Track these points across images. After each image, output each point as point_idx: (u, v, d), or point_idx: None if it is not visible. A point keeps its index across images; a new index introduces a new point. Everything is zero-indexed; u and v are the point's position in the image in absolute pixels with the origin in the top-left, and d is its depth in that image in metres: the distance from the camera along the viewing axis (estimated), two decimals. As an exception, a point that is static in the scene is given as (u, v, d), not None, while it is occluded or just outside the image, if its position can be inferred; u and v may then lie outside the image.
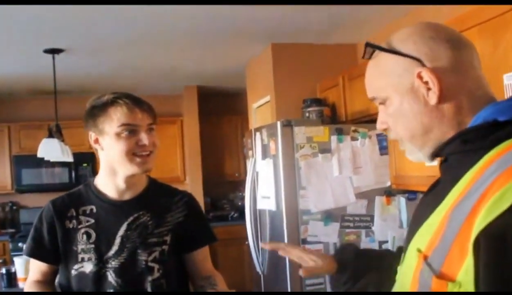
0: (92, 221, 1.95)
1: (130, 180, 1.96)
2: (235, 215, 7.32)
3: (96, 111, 1.90)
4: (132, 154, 1.87)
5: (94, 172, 7.14)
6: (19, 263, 3.65)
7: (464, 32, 2.32)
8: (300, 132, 3.61)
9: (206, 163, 7.32)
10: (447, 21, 2.74)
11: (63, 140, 4.95)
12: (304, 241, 3.60)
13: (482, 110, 1.08)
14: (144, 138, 1.87)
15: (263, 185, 3.98)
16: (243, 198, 7.41)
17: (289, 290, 3.65)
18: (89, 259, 1.92)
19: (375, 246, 3.64)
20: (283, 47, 4.93)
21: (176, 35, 4.55)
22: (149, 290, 1.93)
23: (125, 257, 1.92)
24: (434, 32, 1.13)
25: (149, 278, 1.94)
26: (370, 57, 1.21)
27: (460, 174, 1.03)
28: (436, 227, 1.02)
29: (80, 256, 1.93)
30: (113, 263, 1.92)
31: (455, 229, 0.96)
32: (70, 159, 5.04)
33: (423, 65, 1.10)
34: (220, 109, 7.78)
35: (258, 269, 4.22)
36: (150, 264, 1.94)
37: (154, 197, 2.04)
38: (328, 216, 3.63)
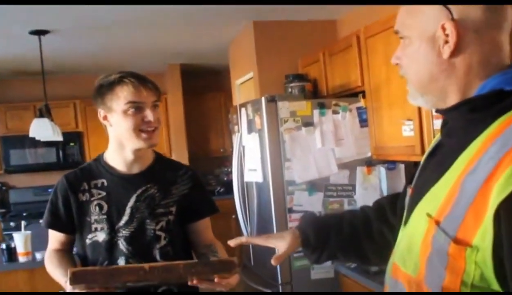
0: (104, 193, 2.10)
1: (137, 154, 2.09)
2: (221, 190, 7.47)
3: (104, 90, 2.04)
4: (139, 130, 2.01)
5: (81, 151, 7.27)
6: (18, 239, 3.78)
7: None
8: (284, 107, 3.77)
9: (191, 139, 7.45)
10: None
11: (52, 120, 5.07)
12: (290, 210, 3.76)
13: (491, 78, 1.11)
14: (149, 114, 2.01)
15: (249, 158, 4.13)
16: (228, 173, 7.60)
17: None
18: (102, 229, 2.07)
19: (357, 213, 3.83)
20: (264, 24, 5.05)
21: (159, 15, 4.64)
22: (157, 257, 2.08)
23: (134, 226, 2.08)
24: None
25: (157, 246, 2.10)
26: None
27: (467, 141, 1.07)
28: (447, 193, 1.05)
29: (93, 226, 2.08)
30: (124, 232, 2.07)
31: (470, 197, 0.99)
32: (60, 138, 5.16)
33: (452, 17, 1.11)
34: (204, 86, 7.87)
35: (246, 239, 4.39)
36: (157, 232, 2.10)
37: (161, 170, 2.18)
38: (312, 186, 3.79)
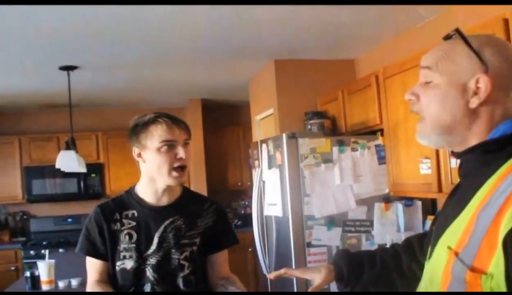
0: (134, 223, 2.22)
1: (167, 187, 2.22)
2: (239, 222, 7.50)
3: (139, 129, 2.18)
4: (171, 167, 2.13)
5: (102, 182, 7.39)
6: (42, 267, 3.86)
7: None
8: (304, 144, 3.88)
9: (210, 172, 7.53)
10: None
11: (77, 152, 5.21)
12: (309, 245, 3.85)
13: (501, 124, 1.21)
14: (181, 152, 2.14)
15: (269, 192, 4.23)
16: (245, 206, 7.67)
17: (294, 284, 3.89)
18: (130, 257, 2.19)
19: (375, 248, 3.88)
20: (285, 63, 5.20)
21: (182, 53, 4.80)
22: (180, 285, 2.20)
23: (161, 255, 2.19)
24: (506, 51, 1.24)
25: (181, 274, 2.21)
26: (448, 39, 1.31)
27: (481, 181, 1.15)
28: (464, 227, 1.13)
29: (122, 254, 2.20)
30: (151, 260, 2.19)
31: (484, 229, 1.07)
32: (84, 169, 5.28)
33: (486, 72, 1.20)
34: (223, 120, 8.01)
35: (265, 271, 4.46)
36: (181, 262, 2.21)
37: (187, 203, 2.31)
38: (331, 221, 3.88)
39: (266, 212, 4.34)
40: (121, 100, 7.10)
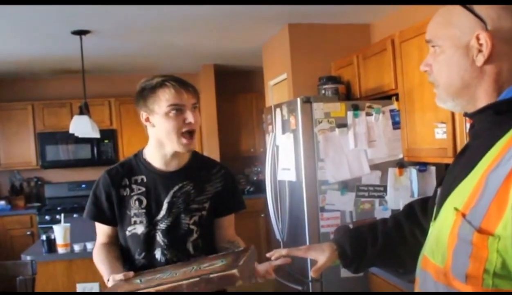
0: (143, 189, 2.22)
1: (176, 152, 2.20)
2: (251, 189, 7.55)
3: (146, 93, 2.14)
4: (179, 132, 2.11)
5: (115, 148, 7.43)
6: (58, 231, 3.91)
7: None
8: (319, 108, 3.86)
9: (223, 139, 7.55)
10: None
11: (90, 117, 5.22)
12: (322, 209, 3.85)
13: None
14: (190, 116, 2.11)
15: (283, 157, 4.23)
16: (258, 173, 7.69)
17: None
18: (141, 222, 2.19)
19: (388, 214, 3.88)
20: (299, 27, 5.14)
21: (195, 18, 4.75)
22: (190, 249, 2.20)
23: (170, 220, 2.19)
24: (508, 7, 1.22)
25: (190, 239, 2.22)
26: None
27: (492, 141, 1.15)
28: (473, 188, 1.14)
29: (133, 220, 2.20)
30: (161, 225, 2.19)
31: (493, 191, 1.08)
32: (97, 135, 5.30)
33: (486, 28, 1.20)
34: (236, 86, 7.98)
35: (278, 236, 4.48)
36: (191, 226, 2.21)
37: (196, 168, 2.29)
38: (345, 186, 3.88)
39: (280, 177, 4.34)
40: (133, 66, 7.08)
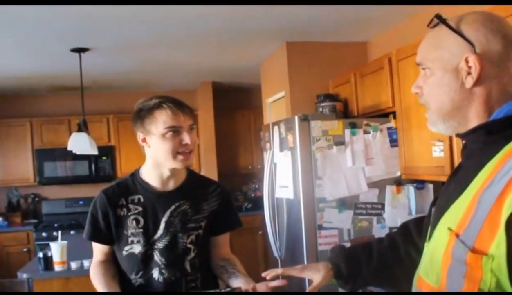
0: (140, 208, 2.23)
1: (173, 172, 2.22)
2: (249, 206, 7.55)
3: (144, 114, 2.16)
4: (176, 152, 2.13)
5: (113, 164, 7.43)
6: (54, 248, 3.90)
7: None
8: (316, 126, 3.87)
9: (220, 156, 7.54)
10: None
11: (89, 134, 5.23)
12: (320, 227, 3.85)
13: (505, 104, 1.21)
14: (186, 138, 2.13)
15: (281, 175, 4.23)
16: (256, 190, 7.68)
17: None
18: (138, 242, 2.20)
19: (386, 231, 3.88)
20: (297, 45, 5.17)
21: (193, 35, 4.77)
22: (187, 267, 2.21)
23: (168, 239, 2.20)
24: (496, 26, 1.24)
25: (187, 258, 2.22)
26: (433, 26, 1.33)
27: (484, 161, 1.16)
28: (466, 208, 1.14)
29: (130, 239, 2.21)
30: (159, 245, 2.20)
31: (485, 210, 1.08)
32: (95, 151, 5.31)
33: (474, 51, 1.22)
34: (234, 103, 8.01)
35: (276, 254, 4.47)
36: (188, 245, 2.22)
37: (193, 187, 2.30)
38: (343, 204, 3.88)
39: (278, 194, 4.34)
40: (132, 82, 7.10)
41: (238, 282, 2.14)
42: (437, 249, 1.21)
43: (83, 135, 5.08)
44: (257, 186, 7.70)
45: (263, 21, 4.40)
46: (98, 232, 2.26)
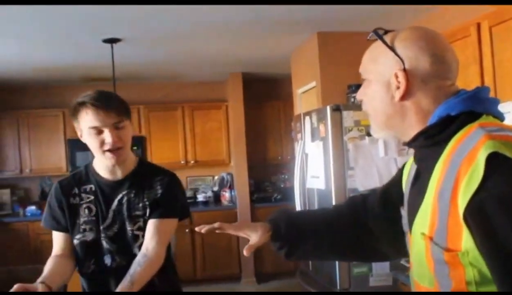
0: (92, 197, 2.30)
1: (112, 167, 2.27)
2: (278, 196, 7.56)
3: (73, 112, 2.22)
4: (101, 150, 2.17)
5: (143, 154, 7.49)
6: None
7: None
8: (349, 116, 3.86)
9: (250, 147, 7.55)
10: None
11: (121, 125, 5.26)
12: (352, 217, 3.84)
13: (437, 109, 1.28)
14: (107, 136, 2.15)
15: (312, 165, 4.22)
16: (285, 180, 7.69)
17: (336, 264, 3.90)
18: (90, 229, 2.28)
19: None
20: (328, 35, 5.15)
21: (223, 26, 4.80)
22: (137, 253, 2.24)
23: (117, 227, 2.28)
24: (425, 44, 1.30)
25: (136, 244, 2.28)
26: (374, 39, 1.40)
27: (432, 164, 1.24)
28: (430, 211, 1.20)
29: (82, 227, 2.28)
30: (108, 233, 2.28)
31: (445, 210, 1.15)
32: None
33: (403, 67, 1.30)
34: (263, 94, 7.99)
35: (306, 244, 4.47)
36: (135, 232, 2.28)
37: (140, 176, 2.34)
38: (374, 194, 3.86)
39: (308, 185, 4.34)
40: (162, 73, 7.14)
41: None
42: (420, 254, 1.26)
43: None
44: (286, 177, 7.70)
45: (294, 11, 4.39)
46: (54, 220, 2.33)
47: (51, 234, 6.47)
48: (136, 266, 2.16)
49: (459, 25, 3.47)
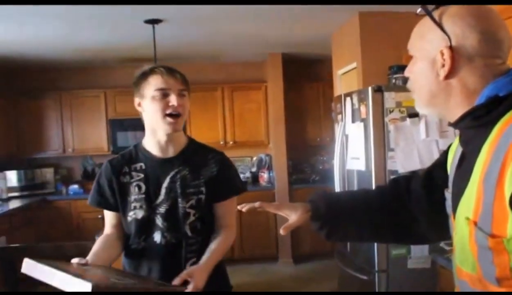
0: (142, 175, 2.33)
1: (168, 138, 2.31)
2: (316, 178, 7.57)
3: (139, 79, 2.31)
4: (164, 113, 2.23)
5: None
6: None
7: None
8: (390, 97, 3.83)
9: (289, 127, 7.53)
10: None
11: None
12: (392, 199, 3.83)
13: (485, 88, 1.25)
14: (173, 99, 2.23)
15: (352, 146, 4.21)
16: (324, 162, 7.68)
17: (375, 246, 3.90)
18: (141, 207, 2.30)
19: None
20: (370, 15, 5.10)
21: (264, 7, 4.77)
22: (188, 231, 2.29)
23: (169, 204, 2.30)
24: (475, 21, 1.27)
25: (187, 221, 2.30)
26: (422, 15, 1.38)
27: (478, 146, 1.21)
28: (475, 195, 1.18)
29: (133, 205, 2.31)
30: (160, 209, 2.30)
31: (491, 194, 1.12)
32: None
33: (449, 44, 1.27)
34: (302, 75, 7.97)
35: (345, 225, 4.48)
36: (187, 210, 2.30)
37: (192, 154, 2.38)
38: (415, 177, 3.83)
39: (348, 166, 4.33)
40: (201, 53, 7.17)
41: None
42: (463, 238, 1.25)
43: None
44: (325, 159, 7.69)
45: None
46: (104, 199, 2.37)
47: (93, 212, 6.64)
48: (215, 245, 2.29)
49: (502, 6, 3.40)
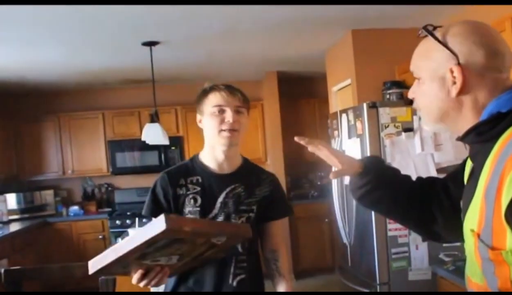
0: (198, 188, 2.37)
1: (226, 154, 2.37)
2: (315, 193, 7.62)
3: (199, 97, 2.38)
4: (220, 129, 2.30)
5: (181, 154, 7.62)
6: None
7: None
8: (385, 113, 3.90)
9: (286, 144, 7.59)
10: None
11: (160, 125, 5.39)
12: (390, 213, 3.88)
13: (489, 105, 1.29)
14: (229, 116, 2.29)
15: (349, 162, 4.26)
16: (322, 178, 7.73)
17: (375, 259, 3.95)
18: None
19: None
20: (362, 32, 5.17)
21: (259, 27, 4.85)
22: (239, 247, 2.34)
23: (222, 219, 2.34)
24: (479, 38, 1.31)
25: None
26: (423, 36, 1.42)
27: (483, 161, 1.25)
28: (479, 208, 1.21)
29: (187, 217, 2.35)
30: None
31: (491, 208, 1.16)
32: (167, 142, 5.46)
33: (458, 62, 1.30)
34: (298, 92, 8.05)
35: (344, 240, 4.53)
36: None
37: (247, 173, 2.45)
38: (412, 190, 3.88)
39: (347, 181, 4.37)
40: (199, 74, 7.24)
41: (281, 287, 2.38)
42: (470, 250, 1.28)
43: (156, 126, 5.26)
44: (323, 174, 7.74)
45: (328, 10, 4.42)
46: (158, 209, 2.38)
47: (93, 233, 6.67)
48: (275, 263, 2.44)
49: (493, 20, 3.48)
